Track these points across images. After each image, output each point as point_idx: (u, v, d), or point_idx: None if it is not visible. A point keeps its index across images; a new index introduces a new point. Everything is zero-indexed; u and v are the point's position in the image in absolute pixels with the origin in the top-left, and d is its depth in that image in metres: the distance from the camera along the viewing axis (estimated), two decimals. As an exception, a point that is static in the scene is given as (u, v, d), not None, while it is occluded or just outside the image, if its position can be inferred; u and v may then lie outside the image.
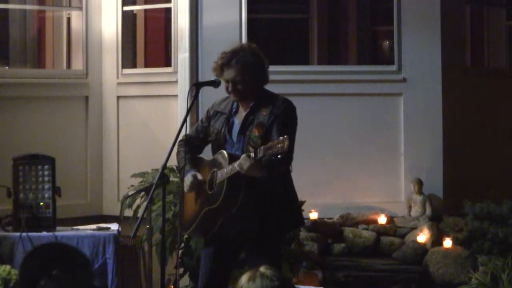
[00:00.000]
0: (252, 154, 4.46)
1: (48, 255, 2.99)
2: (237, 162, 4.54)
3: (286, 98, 4.88)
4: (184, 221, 5.05)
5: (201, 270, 4.96)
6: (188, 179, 4.86)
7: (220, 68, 4.83)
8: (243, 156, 4.51)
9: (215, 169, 4.77)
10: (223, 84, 4.93)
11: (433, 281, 7.02)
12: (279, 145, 4.33)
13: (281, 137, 4.37)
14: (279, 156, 4.33)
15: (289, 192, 4.88)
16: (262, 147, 4.43)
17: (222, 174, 4.68)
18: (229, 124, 4.88)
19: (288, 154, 4.45)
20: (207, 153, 5.07)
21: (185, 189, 4.90)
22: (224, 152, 4.75)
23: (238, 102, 4.87)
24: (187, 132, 5.18)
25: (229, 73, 4.80)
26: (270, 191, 4.73)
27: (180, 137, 4.86)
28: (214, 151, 4.92)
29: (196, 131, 5.05)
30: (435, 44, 7.72)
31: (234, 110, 4.91)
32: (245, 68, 4.77)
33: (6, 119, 7.84)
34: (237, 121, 4.86)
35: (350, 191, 7.72)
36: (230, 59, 4.80)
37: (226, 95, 4.98)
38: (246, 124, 4.79)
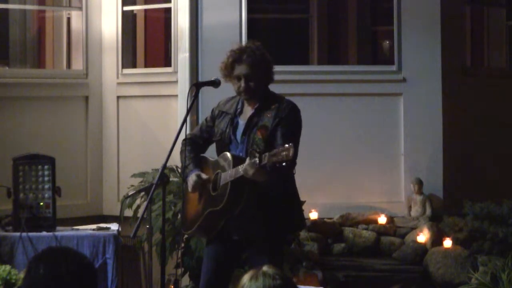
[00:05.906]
0: (257, 160, 4.43)
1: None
2: (242, 167, 4.51)
3: (291, 100, 4.86)
4: (186, 221, 5.04)
5: (202, 269, 4.95)
6: (192, 178, 4.85)
7: (231, 65, 4.78)
8: (248, 162, 4.48)
9: (219, 171, 4.76)
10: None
11: (433, 281, 7.02)
12: (284, 153, 4.30)
13: (286, 145, 4.32)
14: (283, 164, 4.32)
15: (292, 195, 4.88)
16: (266, 154, 4.39)
17: (226, 176, 4.66)
18: (233, 125, 4.86)
19: (292, 161, 4.43)
20: (211, 153, 5.06)
21: (189, 189, 4.88)
22: (228, 154, 4.74)
23: (248, 100, 4.84)
24: (191, 131, 5.17)
25: (241, 69, 4.76)
26: (273, 193, 4.72)
27: (181, 137, 4.85)
28: (219, 151, 4.90)
29: (200, 131, 5.03)
30: (435, 44, 7.71)
31: (239, 110, 4.89)
32: (256, 63, 4.76)
33: (6, 119, 7.83)
34: (242, 121, 4.85)
35: (350, 191, 7.71)
36: (240, 55, 4.77)
37: (228, 95, 4.97)
38: (250, 126, 4.78)
